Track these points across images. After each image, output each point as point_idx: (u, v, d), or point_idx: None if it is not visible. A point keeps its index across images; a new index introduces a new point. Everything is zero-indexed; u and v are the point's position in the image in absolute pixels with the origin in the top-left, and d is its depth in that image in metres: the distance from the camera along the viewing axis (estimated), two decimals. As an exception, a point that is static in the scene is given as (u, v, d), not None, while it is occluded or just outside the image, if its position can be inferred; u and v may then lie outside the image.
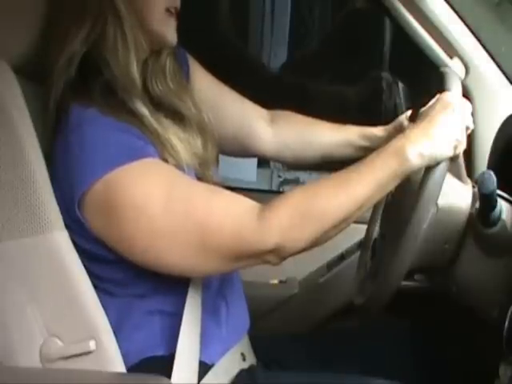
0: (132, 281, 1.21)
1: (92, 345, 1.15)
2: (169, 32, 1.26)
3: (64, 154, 1.16)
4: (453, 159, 1.16)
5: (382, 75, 2.99)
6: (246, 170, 2.67)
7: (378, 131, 1.45)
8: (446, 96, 1.18)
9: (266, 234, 1.11)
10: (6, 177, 1.17)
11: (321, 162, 1.53)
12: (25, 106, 1.19)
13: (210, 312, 1.25)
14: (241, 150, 1.54)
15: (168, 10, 1.24)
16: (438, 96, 1.20)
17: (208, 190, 1.17)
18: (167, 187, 1.14)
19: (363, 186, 1.12)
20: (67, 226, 1.16)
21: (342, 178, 1.14)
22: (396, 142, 1.15)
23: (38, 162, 1.18)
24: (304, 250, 1.15)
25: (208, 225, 1.12)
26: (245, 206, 1.14)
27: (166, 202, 1.12)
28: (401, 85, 2.87)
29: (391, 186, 1.16)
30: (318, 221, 1.12)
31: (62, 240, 1.17)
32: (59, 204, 1.16)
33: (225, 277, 1.31)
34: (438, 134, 1.13)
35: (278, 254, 1.13)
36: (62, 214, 1.16)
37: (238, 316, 1.33)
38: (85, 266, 1.18)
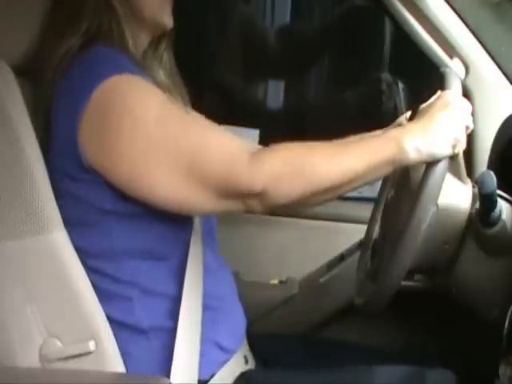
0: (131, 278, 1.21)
1: (91, 345, 1.15)
2: (165, 16, 1.29)
3: (65, 89, 1.17)
4: (453, 158, 1.16)
5: (382, 76, 2.98)
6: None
7: None
8: (446, 94, 1.18)
9: (256, 174, 1.10)
10: (5, 177, 1.17)
11: None
12: (24, 107, 1.19)
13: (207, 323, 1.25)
14: None
15: None
16: (438, 94, 1.20)
17: (205, 121, 1.18)
18: (164, 106, 1.15)
19: (357, 161, 1.12)
20: (73, 179, 1.16)
21: (338, 147, 1.14)
22: (395, 131, 1.16)
23: (37, 162, 1.18)
24: (286, 205, 1.14)
25: (199, 151, 1.12)
26: (239, 143, 1.15)
27: (162, 118, 1.13)
28: (401, 85, 2.87)
29: (384, 172, 1.15)
30: (306, 178, 1.11)
31: (61, 240, 1.17)
32: (62, 151, 1.16)
33: (219, 281, 1.30)
34: (436, 131, 1.13)
35: (262, 201, 1.12)
36: (65, 165, 1.17)
37: (237, 322, 1.33)
38: (85, 263, 1.18)
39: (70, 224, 1.19)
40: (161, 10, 1.28)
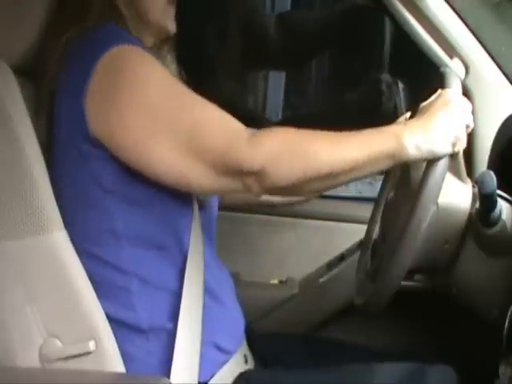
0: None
1: (91, 345, 1.15)
2: (169, 20, 1.32)
3: (69, 68, 1.18)
4: (453, 157, 1.16)
5: (382, 78, 2.98)
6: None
7: None
8: (446, 93, 1.18)
9: (255, 151, 1.11)
10: (4, 177, 1.17)
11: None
12: (24, 107, 1.20)
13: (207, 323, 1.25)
14: (244, 198, 1.55)
15: (168, 2, 1.31)
16: (438, 92, 1.21)
17: (207, 101, 1.18)
18: (168, 79, 1.17)
19: (358, 150, 1.12)
20: (78, 152, 1.17)
21: (339, 136, 1.14)
22: (396, 127, 1.16)
23: (37, 162, 1.18)
24: (284, 189, 1.14)
25: (200, 124, 1.13)
26: (240, 124, 1.15)
27: (165, 88, 1.15)
28: (401, 85, 2.87)
29: (383, 165, 1.15)
30: (305, 162, 1.11)
31: (61, 240, 1.17)
32: (69, 124, 1.17)
33: (217, 279, 1.30)
34: (436, 129, 1.13)
35: (260, 180, 1.11)
36: (72, 137, 1.17)
37: (235, 321, 1.33)
38: (86, 250, 1.18)
39: (71, 204, 1.19)
40: (164, 14, 1.31)
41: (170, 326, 1.20)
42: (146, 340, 1.21)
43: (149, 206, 1.21)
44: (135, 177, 1.17)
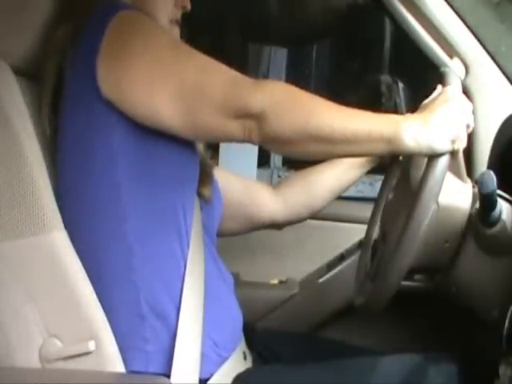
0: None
1: (91, 345, 1.15)
2: None
3: (78, 43, 1.19)
4: (453, 156, 1.16)
5: (382, 79, 2.98)
6: (246, 170, 2.67)
7: None
8: (447, 91, 1.18)
9: (258, 93, 1.12)
10: (4, 177, 1.17)
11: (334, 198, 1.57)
12: (24, 107, 1.20)
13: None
14: (248, 222, 1.55)
15: (171, 22, 1.31)
16: (439, 89, 1.21)
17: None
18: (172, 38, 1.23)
19: (359, 124, 1.12)
20: (92, 120, 1.18)
21: (343, 107, 1.15)
22: (396, 116, 1.16)
23: (36, 162, 1.18)
24: (282, 142, 1.14)
25: (208, 72, 1.16)
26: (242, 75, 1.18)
27: (173, 45, 1.20)
28: (401, 85, 2.88)
29: (379, 149, 1.14)
30: (307, 116, 1.12)
31: (60, 240, 1.17)
32: (80, 87, 1.18)
33: (216, 277, 1.30)
34: (436, 124, 1.12)
35: (260, 126, 1.12)
36: (83, 95, 1.18)
37: (233, 319, 1.33)
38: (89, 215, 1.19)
39: (75, 165, 1.20)
40: (170, 34, 1.31)
41: (171, 314, 1.20)
42: (146, 340, 1.21)
43: (153, 166, 1.21)
44: (142, 138, 1.19)
